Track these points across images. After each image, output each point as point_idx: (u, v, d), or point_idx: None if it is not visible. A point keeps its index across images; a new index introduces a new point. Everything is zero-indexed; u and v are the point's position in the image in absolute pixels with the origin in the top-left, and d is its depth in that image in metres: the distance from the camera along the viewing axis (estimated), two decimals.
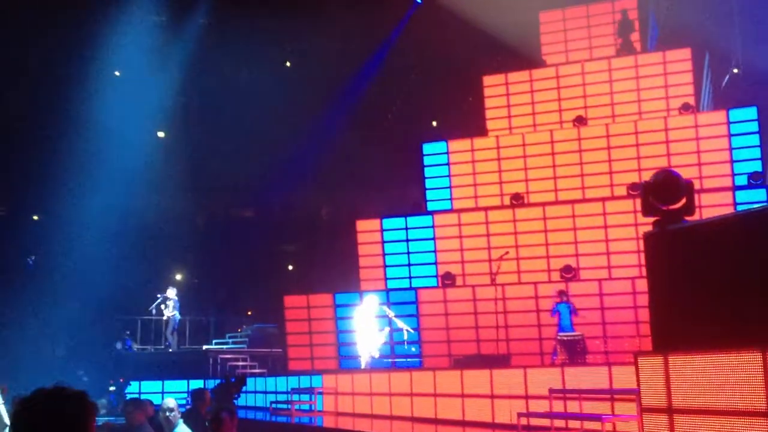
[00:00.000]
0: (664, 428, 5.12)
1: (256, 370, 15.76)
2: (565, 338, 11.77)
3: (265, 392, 13.77)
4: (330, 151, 17.10)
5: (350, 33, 17.64)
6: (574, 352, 11.63)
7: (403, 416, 11.01)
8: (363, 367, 13.33)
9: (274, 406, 12.98)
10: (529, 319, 13.25)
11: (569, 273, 13.42)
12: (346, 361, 14.07)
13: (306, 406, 12.69)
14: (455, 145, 15.76)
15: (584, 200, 14.39)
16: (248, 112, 17.22)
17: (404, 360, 13.46)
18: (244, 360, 16.36)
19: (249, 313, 19.11)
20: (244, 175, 17.68)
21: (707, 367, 4.93)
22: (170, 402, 6.38)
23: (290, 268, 19.45)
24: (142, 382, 14.54)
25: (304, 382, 13.26)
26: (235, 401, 10.61)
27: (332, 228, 16.61)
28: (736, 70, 15.31)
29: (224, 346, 17.37)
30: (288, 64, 19.11)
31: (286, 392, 13.22)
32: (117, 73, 18.19)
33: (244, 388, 11.20)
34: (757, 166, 13.39)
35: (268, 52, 17.54)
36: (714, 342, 5.04)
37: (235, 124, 17.48)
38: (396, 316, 13.51)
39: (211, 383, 11.99)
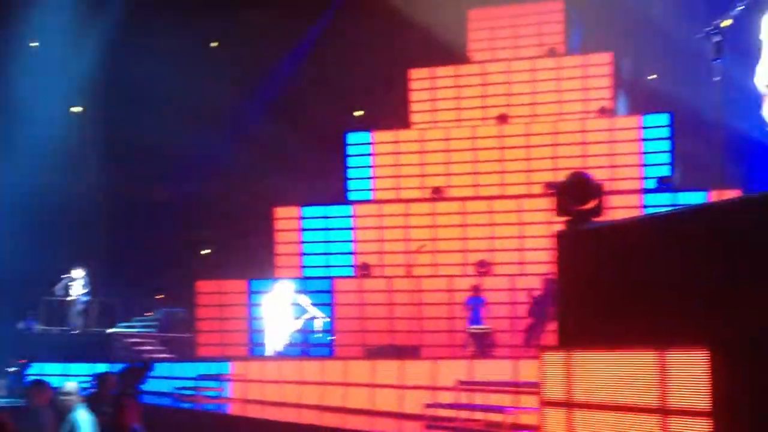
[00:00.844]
0: (562, 421, 5.22)
1: (164, 356, 15.47)
2: (475, 331, 11.93)
3: (172, 378, 13.52)
4: (251, 137, 16.87)
5: (278, 19, 17.41)
6: (484, 345, 11.81)
7: (313, 405, 10.98)
8: (270, 354, 13.25)
9: (179, 392, 12.76)
10: (442, 312, 13.40)
11: (483, 267, 13.61)
12: (258, 349, 13.95)
13: (213, 393, 12.52)
14: (379, 136, 15.77)
15: (502, 197, 14.60)
16: (170, 94, 16.84)
17: (317, 348, 13.42)
18: (152, 345, 16.03)
19: (159, 297, 18.73)
20: (162, 157, 17.29)
21: (607, 364, 5.04)
22: (69, 386, 6.19)
23: (205, 253, 19.15)
24: (45, 365, 14.08)
25: (213, 368, 13.10)
26: (139, 386, 10.36)
27: (250, 214, 16.38)
28: (652, 77, 15.76)
29: (131, 330, 17.00)
30: (215, 44, 18.75)
31: (194, 378, 13.03)
32: (33, 45, 17.55)
33: (150, 374, 10.95)
34: (666, 171, 13.84)
35: (192, 34, 17.15)
36: (615, 340, 5.15)
37: (155, 105, 17.06)
38: (310, 305, 13.46)
39: (117, 367, 11.69)
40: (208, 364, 13.37)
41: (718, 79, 7.13)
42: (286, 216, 15.26)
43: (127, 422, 5.67)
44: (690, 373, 4.38)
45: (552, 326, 11.24)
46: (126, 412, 5.60)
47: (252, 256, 15.65)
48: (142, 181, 18.39)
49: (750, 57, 7.78)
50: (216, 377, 12.80)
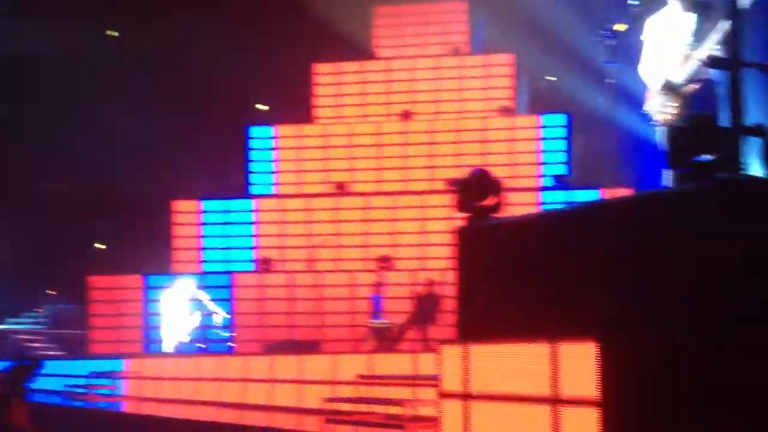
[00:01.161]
0: (459, 413, 5.30)
1: (55, 353, 14.93)
2: (377, 326, 11.99)
3: (63, 376, 13.05)
4: (148, 128, 16.41)
5: (176, 8, 16.99)
6: (385, 340, 11.87)
7: (211, 402, 10.79)
8: (166, 351, 12.97)
9: (71, 390, 12.33)
10: (344, 307, 13.42)
11: (385, 263, 13.69)
12: (154, 346, 13.62)
13: (106, 391, 12.16)
14: (282, 130, 15.65)
15: (405, 192, 14.73)
16: (64, 82, 16.22)
17: (215, 345, 13.21)
18: (42, 342, 15.45)
19: (50, 292, 18.03)
20: (55, 147, 16.63)
21: (502, 357, 5.14)
22: None
23: (100, 247, 18.54)
24: None
25: (106, 365, 12.72)
26: (28, 385, 9.94)
27: (147, 208, 15.94)
28: (552, 78, 16.19)
29: (20, 327, 16.33)
30: (115, 33, 18.15)
31: (86, 376, 12.62)
32: None
33: (39, 371, 10.52)
34: (562, 170, 14.25)
35: (89, 22, 16.57)
36: (511, 333, 5.26)
37: (48, 93, 16.40)
38: (209, 300, 13.23)
39: (4, 365, 11.18)
40: (101, 361, 12.98)
41: (611, 81, 7.37)
42: (184, 210, 14.95)
43: (14, 421, 5.44)
44: (581, 365, 4.51)
45: (435, 325, 11.57)
46: (13, 412, 5.36)
47: (149, 251, 15.24)
48: (33, 173, 17.66)
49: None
50: (109, 375, 12.44)
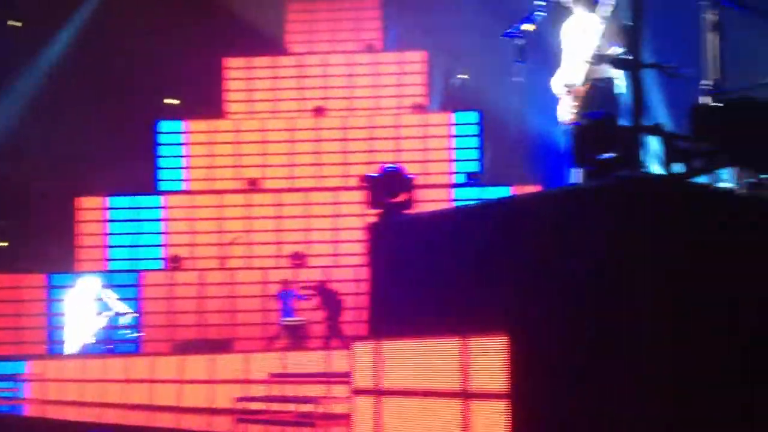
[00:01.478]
0: (371, 409, 5.31)
1: None
2: (289, 323, 11.92)
3: None
4: (51, 120, 15.82)
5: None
6: (297, 337, 11.82)
7: (118, 404, 10.52)
8: (72, 352, 12.58)
9: None
10: (256, 305, 13.29)
11: (298, 259, 13.62)
12: (58, 347, 13.18)
13: (8, 394, 11.72)
14: (193, 125, 15.36)
15: (318, 189, 14.68)
16: None
17: (122, 345, 12.88)
18: None
19: None
20: None
21: (414, 353, 5.18)
22: None
23: (0, 245, 17.78)
24: None
25: (7, 368, 12.24)
26: None
27: (53, 205, 15.41)
28: (464, 76, 16.41)
29: None
30: (18, 24, 17.39)
31: None
32: None
33: None
34: (474, 167, 14.48)
35: None
36: (422, 329, 5.30)
37: None
38: (116, 300, 12.89)
39: None
40: (3, 363, 12.48)
41: (520, 80, 7.53)
42: (90, 206, 14.52)
43: None
44: (489, 359, 4.59)
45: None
46: None
47: (53, 249, 14.71)
48: None
49: (550, 61, 8.28)
50: (11, 377, 11.98)
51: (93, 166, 14.88)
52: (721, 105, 5.07)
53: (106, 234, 14.48)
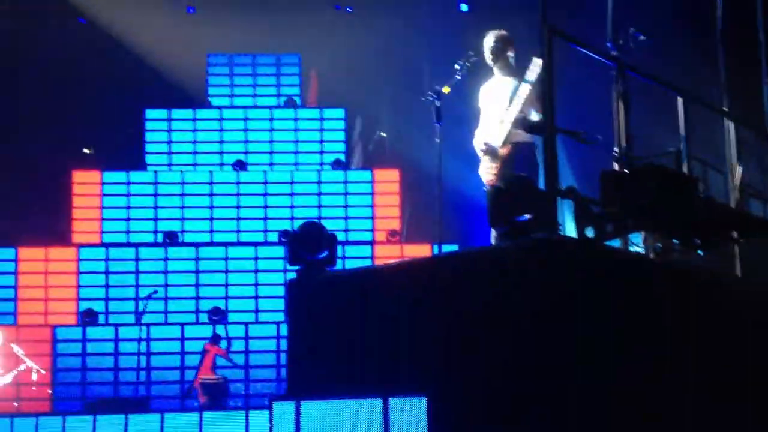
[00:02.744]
0: None
1: None
2: (207, 381, 11.69)
3: None
4: None
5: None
6: (216, 396, 11.59)
7: None
8: None
9: None
10: (174, 361, 12.99)
11: (217, 315, 13.43)
12: None
13: None
14: (109, 176, 15.09)
15: (238, 243, 14.56)
16: None
17: (30, 402, 12.37)
18: None
19: None
20: None
21: (334, 413, 5.17)
22: None
23: None
24: None
25: None
26: None
27: None
28: (383, 134, 16.71)
29: None
30: None
31: None
32: None
33: None
34: (395, 224, 14.67)
35: None
36: (343, 389, 5.31)
37: None
38: (23, 355, 12.40)
39: None
40: None
41: (438, 141, 7.76)
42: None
43: None
44: (410, 419, 4.63)
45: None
46: None
47: None
48: None
49: (468, 122, 8.55)
50: None
51: (4, 218, 14.43)
52: (628, 171, 5.34)
53: (17, 287, 13.97)
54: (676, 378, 4.82)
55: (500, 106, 7.96)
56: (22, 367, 12.44)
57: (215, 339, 12.63)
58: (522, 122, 7.39)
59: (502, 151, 7.76)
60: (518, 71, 7.95)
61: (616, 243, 5.38)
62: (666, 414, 4.70)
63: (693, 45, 9.73)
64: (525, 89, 7.45)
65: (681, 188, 5.07)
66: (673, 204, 4.98)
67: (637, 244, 5.62)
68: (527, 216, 4.90)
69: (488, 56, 8.03)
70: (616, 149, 5.87)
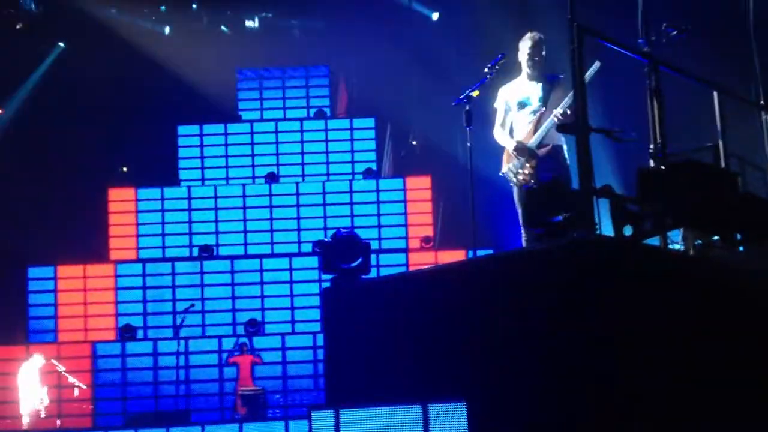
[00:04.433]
0: None
1: None
2: (246, 392, 11.72)
3: None
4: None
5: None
6: (255, 407, 11.62)
7: None
8: (26, 428, 12.16)
9: None
10: (212, 374, 13.06)
11: (254, 326, 13.48)
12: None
13: None
14: (144, 193, 15.25)
15: (272, 255, 14.62)
16: None
17: (74, 418, 12.51)
18: None
19: None
20: None
21: (374, 420, 5.14)
22: None
23: None
24: None
25: None
26: None
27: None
28: (414, 142, 16.71)
29: None
30: None
31: None
32: None
33: None
34: (428, 231, 14.64)
35: None
36: (382, 396, 5.28)
37: None
38: (65, 372, 12.55)
39: None
40: None
41: (469, 144, 7.73)
42: (36, 276, 14.23)
43: None
44: (450, 425, 4.58)
45: None
46: None
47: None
48: None
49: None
50: None
51: (44, 232, 14.66)
52: (665, 168, 5.24)
53: (57, 304, 14.16)
54: (721, 376, 4.71)
55: (533, 107, 7.91)
56: (62, 383, 12.59)
57: (241, 348, 12.71)
58: (559, 125, 7.32)
59: (539, 152, 7.73)
60: (546, 77, 7.91)
61: (654, 241, 5.29)
62: (711, 412, 4.61)
63: (725, 39, 9.58)
64: (561, 90, 7.46)
65: (720, 184, 4.98)
66: (713, 200, 4.88)
67: (676, 241, 5.52)
68: (561, 217, 4.83)
69: (524, 58, 7.96)
70: (651, 146, 5.78)
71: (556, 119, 7.47)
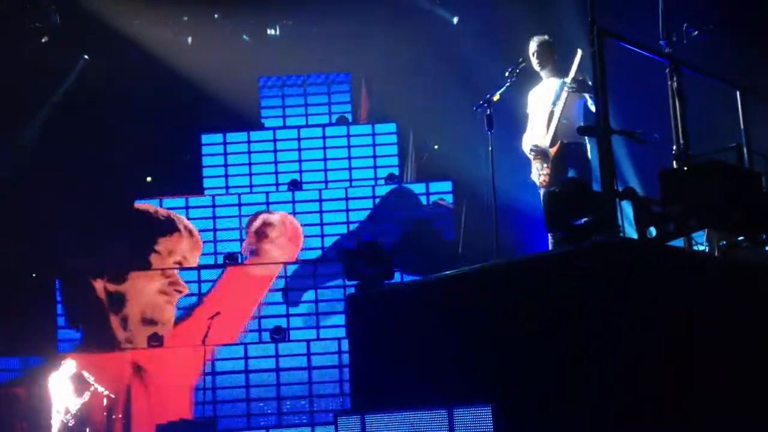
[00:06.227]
0: None
1: None
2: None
3: None
4: (27, 203, 15.77)
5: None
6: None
7: None
8: None
9: None
10: (239, 381, 13.13)
11: (279, 334, 13.54)
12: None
13: None
14: (169, 203, 15.37)
15: (297, 261, 14.68)
16: None
17: (103, 427, 12.60)
18: None
19: None
20: None
21: (400, 425, 5.15)
22: None
23: None
24: None
25: None
26: None
27: (26, 282, 15.28)
28: (436, 146, 16.71)
29: None
30: None
31: None
32: None
33: None
34: (450, 235, 14.62)
35: None
36: (408, 400, 5.29)
37: None
38: (93, 380, 12.66)
39: None
40: None
41: (490, 149, 7.73)
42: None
43: None
44: (476, 429, 4.58)
45: None
46: None
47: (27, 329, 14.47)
48: None
49: (519, 129, 8.50)
50: None
51: (73, 247, 14.81)
52: (688, 169, 5.21)
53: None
54: (748, 377, 4.68)
55: (546, 107, 7.94)
56: (91, 392, 12.69)
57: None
58: (580, 127, 7.32)
59: (552, 151, 7.73)
60: (564, 72, 7.92)
61: (679, 243, 5.26)
62: (735, 412, 4.57)
63: (747, 38, 9.51)
64: (591, 95, 7.50)
65: (744, 183, 4.94)
66: (738, 200, 4.84)
67: (701, 242, 5.49)
68: (584, 219, 4.81)
69: (534, 62, 8.03)
70: (674, 147, 5.75)
71: (568, 90, 7.51)
